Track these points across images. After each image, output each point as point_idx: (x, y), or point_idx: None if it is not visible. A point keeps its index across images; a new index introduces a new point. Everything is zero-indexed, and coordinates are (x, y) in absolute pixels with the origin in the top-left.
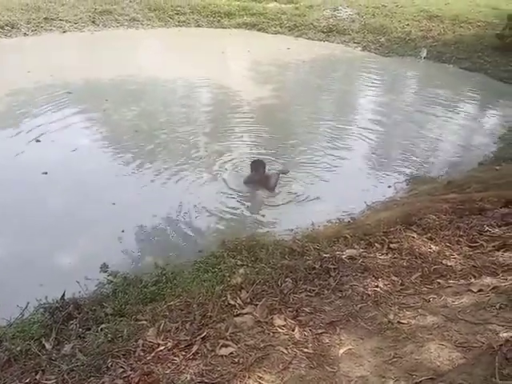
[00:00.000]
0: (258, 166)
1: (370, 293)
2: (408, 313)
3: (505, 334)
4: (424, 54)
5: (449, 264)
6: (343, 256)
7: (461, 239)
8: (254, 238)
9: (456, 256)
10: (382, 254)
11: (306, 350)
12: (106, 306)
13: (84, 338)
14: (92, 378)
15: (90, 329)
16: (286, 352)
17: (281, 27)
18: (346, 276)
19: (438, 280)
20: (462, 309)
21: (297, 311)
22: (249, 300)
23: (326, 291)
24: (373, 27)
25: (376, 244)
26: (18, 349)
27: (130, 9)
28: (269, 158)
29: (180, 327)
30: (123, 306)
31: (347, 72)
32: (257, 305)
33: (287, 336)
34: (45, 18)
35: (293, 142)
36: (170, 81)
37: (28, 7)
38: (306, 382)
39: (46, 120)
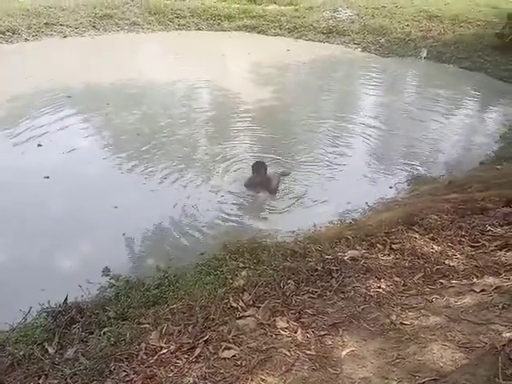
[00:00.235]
0: (259, 167)
1: (372, 294)
2: (411, 313)
3: (508, 334)
4: (424, 54)
5: (451, 264)
6: (345, 257)
7: (463, 239)
8: (255, 241)
9: (458, 256)
10: (384, 255)
11: (308, 351)
12: (109, 309)
13: (87, 341)
14: (95, 382)
15: (92, 333)
16: (288, 354)
17: (280, 29)
18: (349, 277)
19: (441, 280)
20: (465, 309)
21: (299, 313)
22: (251, 302)
23: (329, 293)
24: (372, 28)
25: (378, 245)
26: (21, 353)
27: (130, 13)
28: (270, 159)
29: (183, 330)
30: (126, 310)
31: (347, 73)
32: (259, 307)
33: (290, 338)
34: (45, 23)
35: (294, 143)
36: (171, 84)
37: (29, 13)
38: None
39: (46, 124)
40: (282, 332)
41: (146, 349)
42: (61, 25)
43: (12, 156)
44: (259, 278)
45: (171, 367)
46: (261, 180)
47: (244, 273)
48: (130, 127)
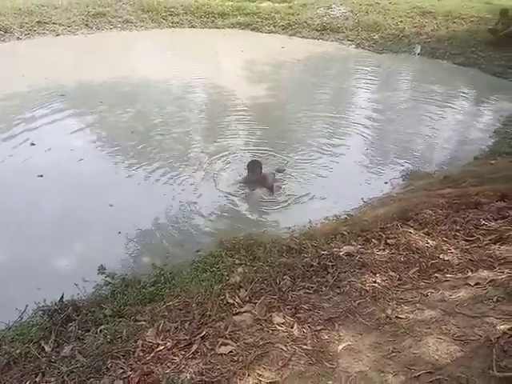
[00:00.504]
0: (254, 166)
1: (367, 288)
2: (406, 307)
3: (502, 327)
4: (418, 51)
5: (446, 258)
6: (341, 253)
7: (457, 233)
8: (251, 237)
9: (453, 250)
10: (380, 250)
11: (305, 346)
12: (105, 307)
13: (83, 339)
14: (92, 379)
15: (89, 330)
16: (285, 349)
17: (274, 26)
18: (344, 272)
19: (436, 274)
20: (460, 302)
21: (295, 308)
22: (247, 298)
23: (324, 288)
24: (366, 24)
25: (373, 240)
26: (18, 352)
27: (123, 11)
28: (265, 155)
29: (179, 327)
30: (122, 307)
31: (342, 70)
32: (255, 303)
33: (286, 333)
34: (38, 22)
35: (288, 140)
36: (165, 81)
37: (21, 11)
38: (306, 379)
39: (40, 123)
40: (279, 327)
41: (142, 346)
42: (53, 23)
43: (5, 155)
44: (255, 274)
45: (168, 364)
46: (256, 179)
47: (240, 269)
48: (123, 125)
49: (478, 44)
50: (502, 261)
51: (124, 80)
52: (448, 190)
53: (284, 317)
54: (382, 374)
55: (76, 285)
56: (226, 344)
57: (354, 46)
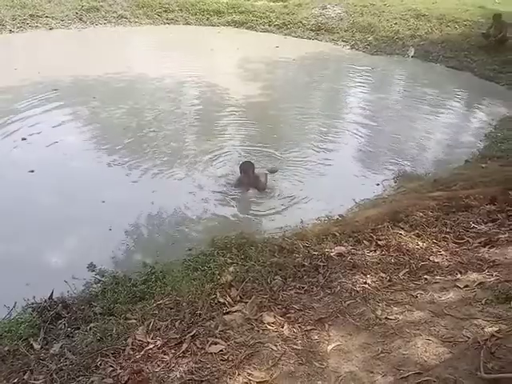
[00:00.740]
0: (246, 168)
1: (358, 289)
2: (396, 309)
3: (490, 329)
4: (411, 53)
5: (436, 260)
6: (332, 253)
7: (447, 236)
8: (243, 236)
9: (443, 252)
10: (371, 251)
11: (295, 346)
12: (95, 305)
13: (73, 337)
14: (81, 377)
15: (78, 328)
16: (275, 349)
17: (269, 25)
18: (335, 273)
19: (425, 276)
20: (449, 304)
21: (286, 308)
22: (238, 298)
23: (315, 288)
24: (361, 26)
25: (364, 241)
26: (6, 349)
27: (117, 6)
28: (258, 155)
29: (169, 325)
30: (112, 305)
31: (336, 70)
32: (246, 302)
33: (276, 333)
34: (30, 15)
35: (281, 140)
36: (158, 78)
37: (13, 3)
38: (295, 378)
39: (32, 118)
40: (269, 327)
41: (132, 344)
42: (46, 17)
43: None
44: (247, 274)
45: (158, 362)
46: (248, 181)
47: (231, 268)
48: (116, 121)
49: (471, 48)
50: (491, 263)
51: (117, 76)
52: (439, 193)
53: (275, 316)
54: (371, 375)
55: (66, 282)
56: (216, 343)
57: (348, 47)
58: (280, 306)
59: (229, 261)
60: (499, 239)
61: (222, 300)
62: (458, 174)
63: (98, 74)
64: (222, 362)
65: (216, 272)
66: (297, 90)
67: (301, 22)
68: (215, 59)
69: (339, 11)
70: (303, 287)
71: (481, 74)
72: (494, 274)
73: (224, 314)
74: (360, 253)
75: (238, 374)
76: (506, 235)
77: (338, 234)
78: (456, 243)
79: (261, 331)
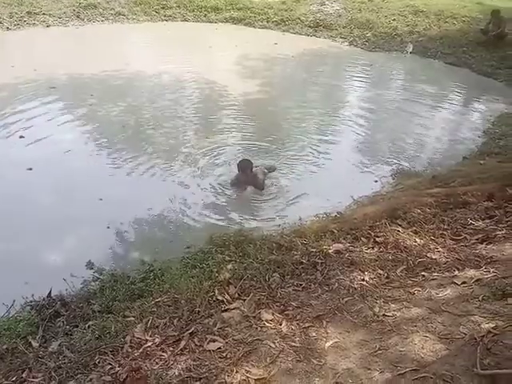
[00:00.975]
0: (245, 166)
1: (356, 286)
2: (393, 305)
3: (486, 325)
4: (410, 49)
5: (433, 257)
6: (330, 250)
7: (445, 232)
8: (241, 234)
9: (440, 249)
10: (368, 248)
11: (293, 343)
12: (94, 302)
13: (71, 335)
14: (80, 375)
15: (77, 326)
16: (273, 346)
17: (268, 22)
18: (333, 270)
19: (423, 273)
20: (446, 301)
21: (284, 305)
22: (237, 295)
23: (313, 285)
24: (359, 22)
25: (362, 238)
26: (4, 347)
27: (115, 3)
28: (256, 151)
29: (168, 323)
30: (110, 303)
31: (334, 67)
32: (245, 300)
33: (274, 330)
34: (28, 12)
35: (280, 136)
36: (156, 75)
37: (10, 1)
38: (293, 376)
39: (29, 115)
40: (267, 324)
41: (131, 342)
42: (44, 14)
43: None
44: (245, 271)
45: (156, 360)
46: (246, 179)
47: (230, 266)
48: (114, 119)
49: (469, 44)
50: (489, 260)
51: (115, 73)
52: (436, 190)
53: (273, 314)
54: (369, 371)
55: (64, 280)
56: (214, 340)
57: (346, 43)
58: (278, 304)
59: (227, 258)
60: (497, 236)
61: (220, 297)
62: (456, 170)
63: (96, 72)
64: (220, 359)
65: (214, 269)
66: (295, 87)
67: (299, 18)
68: (213, 56)
69: (337, 7)
70: (301, 284)
71: (479, 70)
72: (492, 270)
73: (222, 311)
74: (358, 250)
75: (236, 372)
76: (504, 232)
77: (336, 231)
78: (453, 240)
79: (259, 328)
